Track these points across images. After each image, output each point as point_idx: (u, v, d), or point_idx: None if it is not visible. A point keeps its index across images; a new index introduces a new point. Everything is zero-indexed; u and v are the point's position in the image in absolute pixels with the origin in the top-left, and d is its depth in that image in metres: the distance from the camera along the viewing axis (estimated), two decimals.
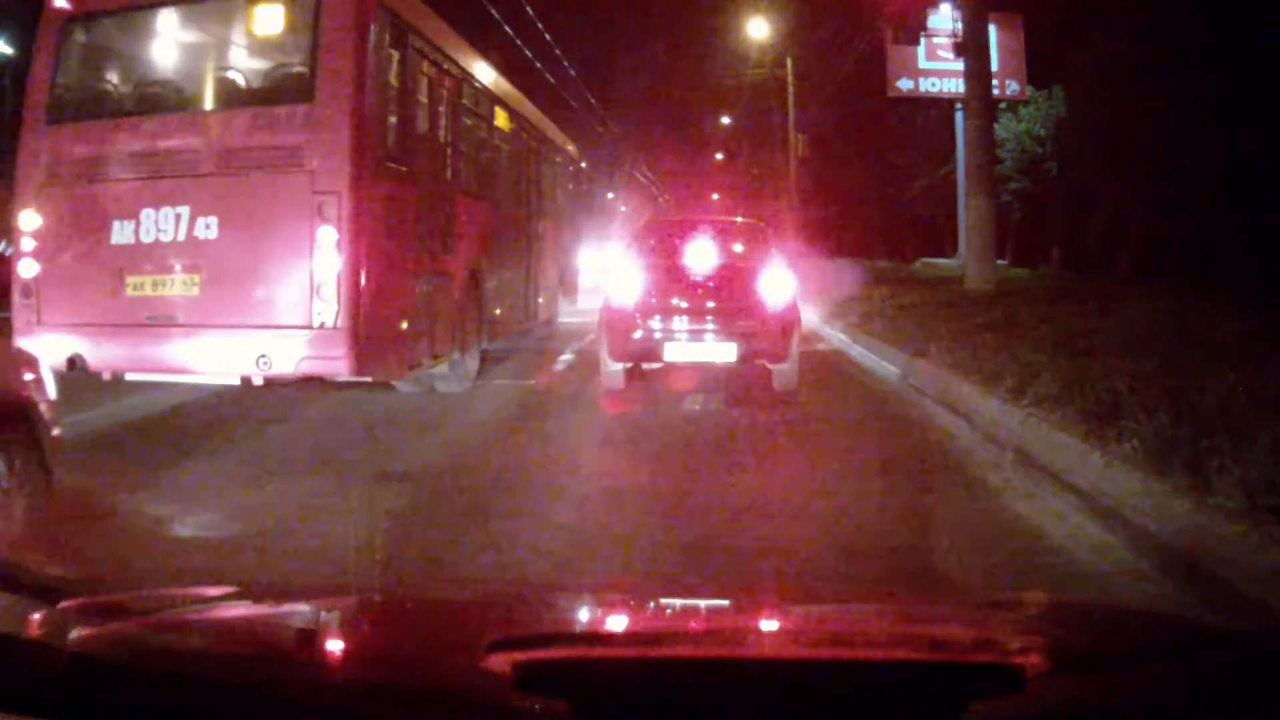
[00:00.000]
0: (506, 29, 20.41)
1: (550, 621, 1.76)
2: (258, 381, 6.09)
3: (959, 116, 23.60)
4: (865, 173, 34.56)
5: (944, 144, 25.83)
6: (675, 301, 7.69)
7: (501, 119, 9.77)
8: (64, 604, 1.55)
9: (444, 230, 7.42)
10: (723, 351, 7.53)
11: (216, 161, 6.08)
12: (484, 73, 8.95)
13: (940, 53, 24.03)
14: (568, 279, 13.96)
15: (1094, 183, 22.65)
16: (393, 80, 6.41)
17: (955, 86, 23.64)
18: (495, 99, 9.39)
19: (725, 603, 2.08)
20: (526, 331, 11.46)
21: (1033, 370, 6.29)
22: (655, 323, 7.63)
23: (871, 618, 1.85)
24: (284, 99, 6.07)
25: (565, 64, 27.07)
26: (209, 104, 6.33)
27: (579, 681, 1.16)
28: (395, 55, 6.48)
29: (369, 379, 6.10)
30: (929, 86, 24.24)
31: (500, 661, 1.19)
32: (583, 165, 16.78)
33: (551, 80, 26.27)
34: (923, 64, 24.24)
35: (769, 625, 1.77)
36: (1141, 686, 1.31)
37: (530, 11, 21.53)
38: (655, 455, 5.82)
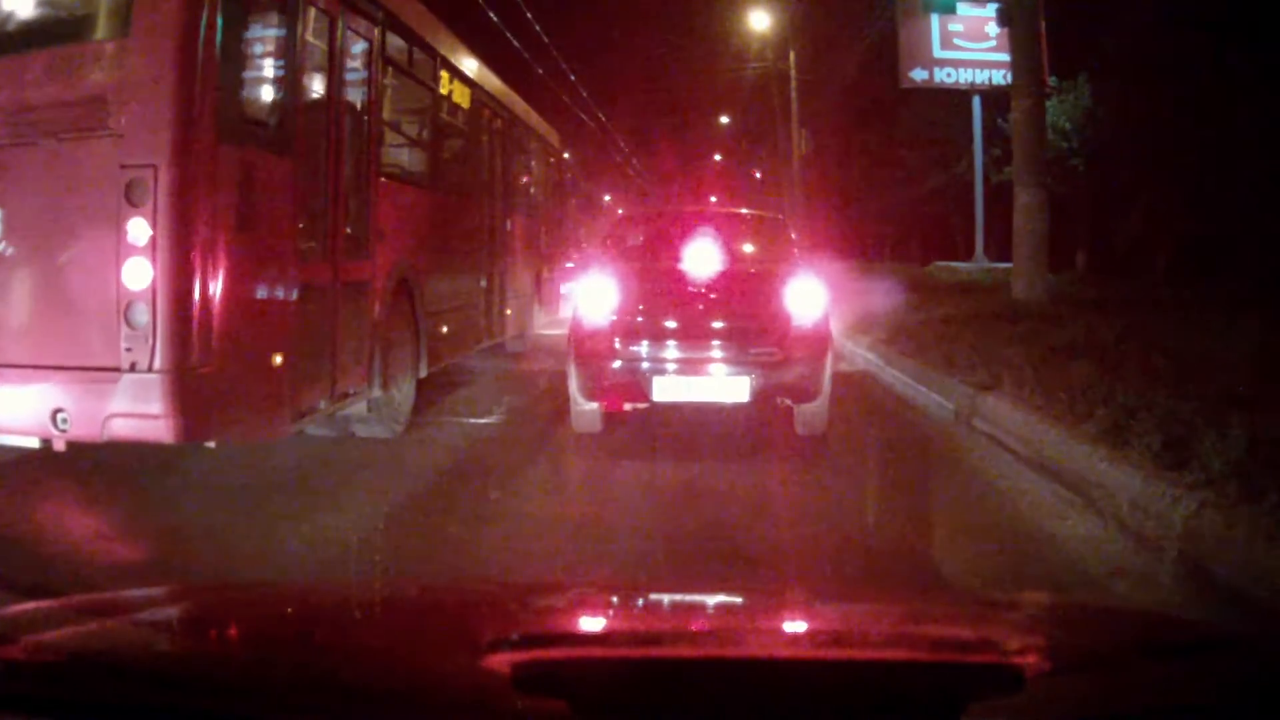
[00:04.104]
0: (492, 16, 18.41)
1: (550, 621, 1.73)
2: (59, 446, 4.17)
3: (976, 107, 22.01)
4: (872, 171, 32.71)
5: (959, 139, 23.96)
6: (667, 321, 5.76)
7: (452, 89, 7.81)
8: (62, 603, 1.52)
9: (354, 225, 5.46)
10: (732, 388, 5.59)
11: (1, 128, 4.18)
12: (426, 25, 6.99)
13: (956, 41, 22.44)
14: (546, 286, 12.01)
15: (1126, 180, 20.88)
16: (259, 10, 4.49)
17: (972, 77, 22.11)
18: (444, 62, 7.41)
19: (725, 603, 1.95)
20: (492, 349, 9.52)
21: (1180, 424, 4.37)
22: (640, 349, 5.70)
23: (871, 618, 1.79)
24: (90, 33, 4.15)
25: (555, 55, 25.04)
26: None
27: (578, 681, 1.14)
28: None
29: (212, 444, 4.13)
30: (944, 77, 22.55)
31: (500, 661, 1.19)
32: (565, 156, 14.83)
33: (541, 73, 24.27)
34: (937, 53, 22.58)
35: (769, 625, 1.73)
36: (1141, 686, 1.30)
37: (520, 2, 19.53)
38: (638, 556, 3.92)
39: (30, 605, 1.53)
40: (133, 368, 3.86)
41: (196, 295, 3.89)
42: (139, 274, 3.82)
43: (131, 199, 3.82)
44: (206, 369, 3.95)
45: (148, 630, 1.46)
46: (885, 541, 4.10)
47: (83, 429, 4.00)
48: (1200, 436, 4.13)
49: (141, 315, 3.83)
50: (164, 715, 1.14)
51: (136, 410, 3.86)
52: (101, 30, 4.11)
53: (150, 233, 3.80)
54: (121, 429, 3.94)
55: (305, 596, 1.93)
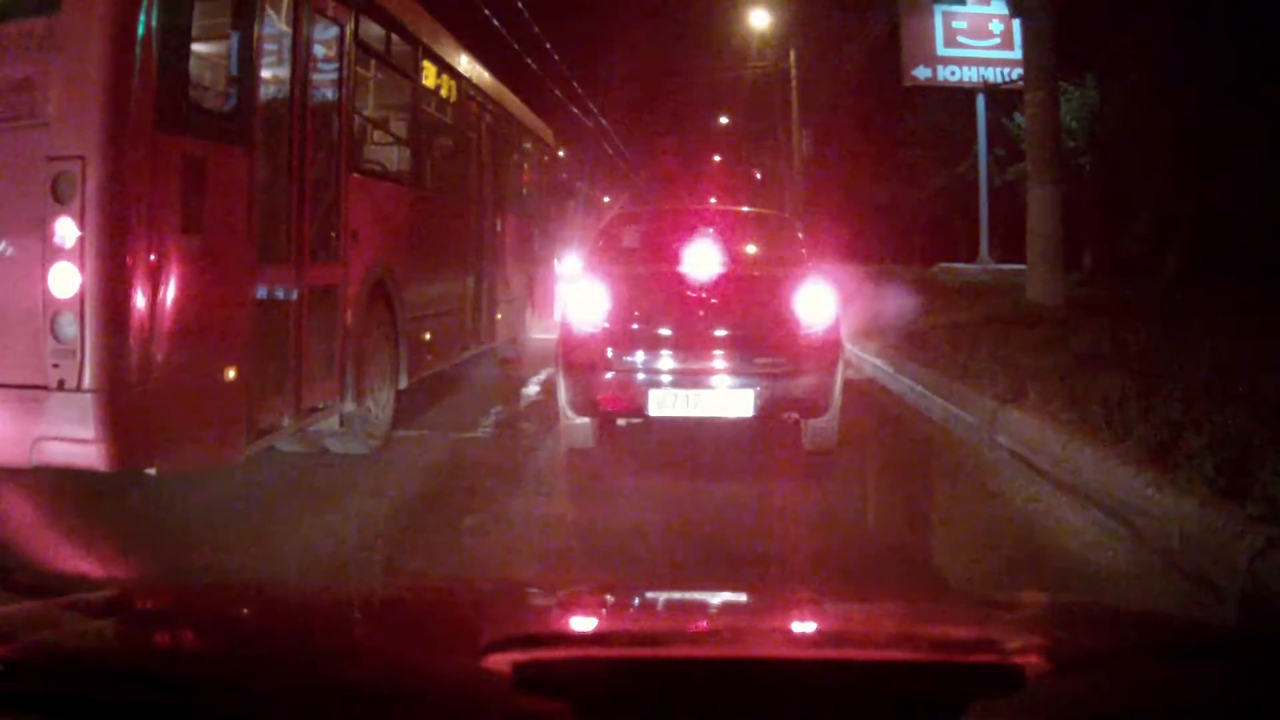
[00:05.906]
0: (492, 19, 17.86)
1: (550, 621, 1.74)
2: None
3: (980, 105, 21.62)
4: (874, 171, 32.28)
5: (962, 139, 23.54)
6: (665, 329, 5.32)
7: (436, 80, 7.37)
8: (62, 603, 1.51)
9: (322, 225, 5.01)
10: (735, 402, 5.15)
11: None
12: (407, 10, 6.53)
13: (960, 38, 22.05)
14: (540, 289, 11.56)
15: (1134, 180, 20.47)
16: None
17: (976, 75, 21.69)
18: (426, 52, 6.96)
19: (725, 603, 1.95)
20: (480, 356, 9.08)
21: (1235, 443, 3.93)
22: (635, 359, 5.26)
23: (871, 618, 1.79)
24: (18, 10, 3.71)
25: (552, 53, 24.51)
26: None
27: (578, 681, 1.14)
28: None
29: (153, 471, 3.68)
30: (948, 75, 22.18)
31: (500, 661, 1.18)
32: (561, 155, 14.38)
33: (537, 69, 23.76)
34: (941, 51, 22.18)
35: (769, 625, 1.73)
36: (1141, 686, 1.30)
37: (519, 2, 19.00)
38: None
39: (30, 605, 1.53)
40: (60, 386, 3.41)
41: (132, 304, 3.44)
42: (65, 280, 3.38)
43: (58, 195, 3.38)
44: (145, 387, 3.51)
45: (147, 630, 1.47)
46: (908, 573, 3.71)
47: (9, 453, 3.55)
48: (1261, 459, 3.70)
49: (69, 327, 3.39)
50: (163, 715, 1.13)
51: (65, 434, 3.42)
52: (30, 6, 3.66)
53: (78, 233, 3.36)
54: (50, 454, 3.49)
55: (305, 596, 1.94)
